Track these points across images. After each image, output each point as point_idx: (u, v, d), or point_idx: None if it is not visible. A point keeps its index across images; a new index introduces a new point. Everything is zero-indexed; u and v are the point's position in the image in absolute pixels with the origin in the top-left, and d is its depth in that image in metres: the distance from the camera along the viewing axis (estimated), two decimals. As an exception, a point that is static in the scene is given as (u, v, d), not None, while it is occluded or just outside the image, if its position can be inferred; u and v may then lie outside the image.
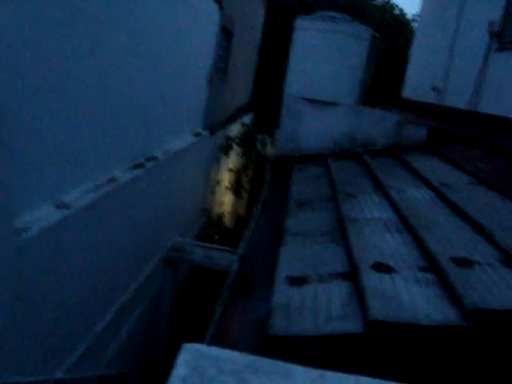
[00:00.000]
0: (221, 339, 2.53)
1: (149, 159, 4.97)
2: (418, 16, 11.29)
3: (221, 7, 7.70)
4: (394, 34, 15.41)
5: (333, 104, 6.03)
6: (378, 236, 3.17)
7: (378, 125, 5.98)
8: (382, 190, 4.20)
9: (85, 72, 3.45)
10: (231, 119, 10.42)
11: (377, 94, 12.80)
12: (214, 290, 4.34)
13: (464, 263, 2.59)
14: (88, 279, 3.80)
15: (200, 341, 1.99)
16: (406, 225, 3.29)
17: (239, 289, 3.09)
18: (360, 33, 5.95)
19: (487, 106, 6.71)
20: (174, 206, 6.48)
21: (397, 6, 19.25)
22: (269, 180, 5.76)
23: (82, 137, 3.54)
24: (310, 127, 6.20)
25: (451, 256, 2.68)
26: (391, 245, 3.02)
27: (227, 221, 10.89)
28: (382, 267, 2.66)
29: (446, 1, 9.29)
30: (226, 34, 8.89)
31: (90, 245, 3.70)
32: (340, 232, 3.38)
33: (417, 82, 10.03)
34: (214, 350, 0.88)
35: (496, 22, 6.93)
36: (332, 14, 6.34)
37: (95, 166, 3.84)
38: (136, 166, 4.60)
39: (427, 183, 4.20)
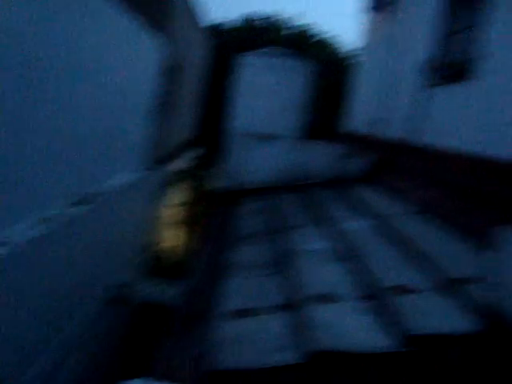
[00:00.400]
0: (165, 375, 2.47)
1: (86, 197, 4.85)
2: (359, 50, 11.76)
3: (165, 43, 7.77)
4: (337, 67, 15.86)
5: (277, 138, 6.14)
6: (319, 267, 3.22)
7: (322, 157, 6.13)
8: (324, 221, 4.28)
9: (14, 108, 3.36)
10: (176, 154, 10.41)
11: (322, 128, 13.14)
12: (158, 326, 4.25)
13: (401, 291, 2.66)
14: (14, 328, 3.60)
15: (145, 377, 1.94)
16: (348, 255, 3.35)
17: (183, 323, 3.04)
18: (302, 68, 6.13)
19: (427, 138, 7.01)
20: (115, 244, 6.33)
21: (339, 40, 19.95)
22: (214, 213, 5.75)
23: (9, 174, 3.41)
24: (255, 161, 6.26)
25: (389, 284, 2.75)
26: (333, 275, 3.06)
27: (172, 255, 10.73)
28: (323, 298, 2.69)
29: (384, 36, 9.73)
30: (171, 69, 8.94)
31: (17, 289, 3.53)
32: (283, 264, 3.41)
33: (360, 115, 10.34)
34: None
35: (431, 58, 7.32)
36: (275, 49, 6.52)
37: (25, 205, 3.70)
38: (72, 205, 4.47)
39: (369, 213, 4.30)
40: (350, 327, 2.31)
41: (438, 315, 2.31)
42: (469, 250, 3.14)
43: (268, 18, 19.41)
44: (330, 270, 3.17)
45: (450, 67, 6.78)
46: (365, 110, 9.88)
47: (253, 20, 19.28)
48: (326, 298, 2.67)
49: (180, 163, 10.92)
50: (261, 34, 17.81)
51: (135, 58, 6.27)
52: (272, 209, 5.10)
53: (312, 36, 19.34)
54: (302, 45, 17.63)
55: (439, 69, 7.06)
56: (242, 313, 2.69)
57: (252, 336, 2.40)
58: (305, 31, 19.27)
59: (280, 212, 4.82)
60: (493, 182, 4.28)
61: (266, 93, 6.07)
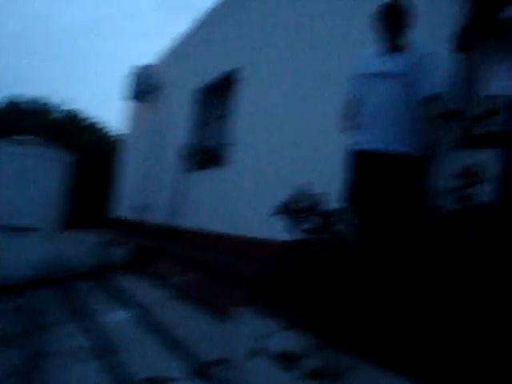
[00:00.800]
0: None
1: None
2: (125, 136, 11.88)
3: None
4: (106, 153, 15.55)
5: (32, 230, 5.73)
6: (73, 367, 2.99)
7: (82, 247, 5.89)
8: (83, 315, 4.04)
9: None
10: None
11: (87, 215, 12.71)
12: None
13: (158, 382, 2.61)
14: None
15: None
16: (105, 351, 3.19)
17: None
18: (56, 156, 5.94)
19: (188, 222, 7.27)
20: None
21: (109, 125, 19.80)
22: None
23: None
24: (6, 256, 5.71)
25: (145, 377, 2.68)
26: (87, 375, 2.87)
27: None
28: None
29: (148, 123, 10.08)
30: None
31: None
32: (34, 369, 3.08)
33: (127, 201, 10.31)
34: None
35: (185, 146, 7.78)
36: (26, 138, 6.21)
37: None
38: None
39: (130, 303, 4.21)
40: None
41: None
42: (220, 332, 3.27)
43: (35, 101, 18.59)
44: (85, 369, 2.96)
45: (206, 153, 7.29)
46: (131, 195, 9.93)
47: (18, 103, 18.27)
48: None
49: None
50: (27, 118, 16.86)
51: None
52: (25, 307, 4.65)
53: (82, 120, 19.01)
54: (70, 129, 17.15)
55: (197, 155, 7.54)
56: None
57: None
58: (75, 116, 18.88)
59: (34, 310, 4.41)
60: (246, 262, 4.62)
61: (16, 182, 5.69)
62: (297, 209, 1.85)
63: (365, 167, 3.26)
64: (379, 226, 1.58)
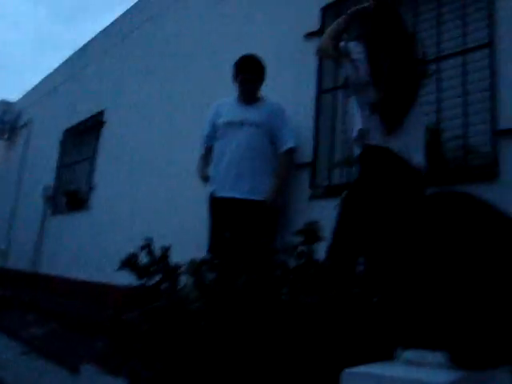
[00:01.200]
0: None
1: None
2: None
3: None
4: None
5: None
6: None
7: None
8: None
9: None
10: None
11: None
12: None
13: None
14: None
15: None
16: None
17: None
18: None
19: (46, 267, 6.86)
20: None
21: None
22: None
23: None
24: None
25: None
26: None
27: None
28: None
29: (7, 161, 9.49)
30: None
31: None
32: None
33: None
34: None
35: (50, 188, 7.39)
36: None
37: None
38: None
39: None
40: None
41: None
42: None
43: None
44: None
45: (71, 196, 6.97)
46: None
47: None
48: None
49: None
50: None
51: None
52: None
53: None
54: None
55: (62, 197, 7.19)
56: None
57: None
58: None
59: None
60: (106, 310, 4.42)
61: None
62: (139, 264, 1.83)
63: (221, 214, 3.31)
64: (221, 280, 1.61)
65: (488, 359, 0.96)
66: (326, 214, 2.86)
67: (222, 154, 3.43)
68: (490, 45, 2.72)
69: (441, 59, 2.98)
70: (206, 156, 3.59)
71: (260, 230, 3.00)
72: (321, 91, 3.60)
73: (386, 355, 1.09)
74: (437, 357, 0.96)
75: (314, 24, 3.71)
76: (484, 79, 2.75)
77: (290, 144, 3.37)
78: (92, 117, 6.65)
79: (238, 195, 3.28)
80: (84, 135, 7.05)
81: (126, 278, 1.95)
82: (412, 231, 1.06)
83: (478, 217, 1.02)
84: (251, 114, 3.42)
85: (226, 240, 1.95)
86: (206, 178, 3.53)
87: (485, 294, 0.92)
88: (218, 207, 3.36)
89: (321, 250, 1.48)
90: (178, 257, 1.95)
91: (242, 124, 3.40)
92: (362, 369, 0.95)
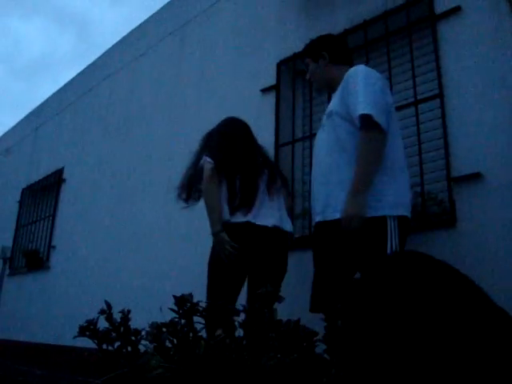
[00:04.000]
0: None
1: None
2: None
3: None
4: None
5: None
6: None
7: None
8: None
9: None
10: None
11: None
12: None
13: None
14: None
15: None
16: None
17: None
18: None
19: (6, 331, 6.57)
20: None
21: None
22: None
23: None
24: None
25: None
26: None
27: None
28: None
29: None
30: None
31: None
32: None
33: None
34: None
35: (8, 249, 7.17)
36: None
37: None
38: None
39: None
40: None
41: None
42: None
43: None
44: None
45: (30, 256, 6.78)
46: None
47: None
48: None
49: None
50: None
51: None
52: None
53: None
54: None
55: (21, 257, 6.99)
56: None
57: None
58: None
59: None
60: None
61: None
62: (98, 329, 1.76)
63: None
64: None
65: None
66: (291, 265, 2.85)
67: None
68: (440, 95, 2.83)
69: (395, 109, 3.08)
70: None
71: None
72: (279, 144, 3.65)
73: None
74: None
75: (270, 79, 3.81)
76: (437, 128, 2.86)
77: (360, 110, 2.17)
78: (51, 174, 6.56)
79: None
80: (43, 193, 6.93)
81: (88, 342, 1.87)
82: (372, 293, 1.06)
83: (433, 276, 1.03)
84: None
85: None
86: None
87: (445, 352, 0.92)
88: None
89: (280, 311, 1.45)
90: (140, 319, 1.89)
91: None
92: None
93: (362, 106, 2.16)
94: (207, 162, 2.72)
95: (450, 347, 0.91)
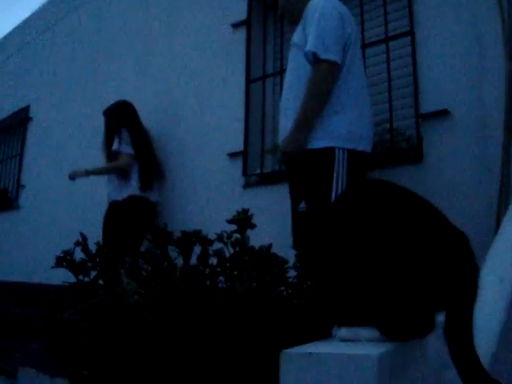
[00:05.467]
0: None
1: None
2: None
3: None
4: None
5: None
6: None
7: None
8: None
9: None
10: None
11: None
12: None
13: None
14: None
15: None
16: None
17: None
18: None
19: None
20: None
21: None
22: None
23: None
24: None
25: None
26: None
27: None
28: None
29: None
30: None
31: None
32: None
33: None
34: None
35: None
36: None
37: None
38: None
39: None
40: None
41: None
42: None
43: None
44: None
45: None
46: None
47: None
48: None
49: None
50: None
51: None
52: None
53: None
54: None
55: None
56: None
57: None
58: None
59: None
60: (43, 311, 4.29)
61: None
62: (75, 261, 1.80)
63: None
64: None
65: (415, 329, 1.02)
66: (259, 201, 2.92)
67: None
68: (411, 33, 2.84)
69: (366, 46, 3.07)
70: None
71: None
72: (249, 80, 3.63)
73: (322, 336, 1.15)
74: (369, 332, 1.02)
75: (241, 13, 3.73)
76: (407, 65, 2.88)
77: (309, 47, 2.24)
78: (16, 112, 6.37)
79: None
80: (9, 132, 6.75)
81: (61, 278, 1.90)
82: (339, 218, 1.12)
83: (396, 200, 1.09)
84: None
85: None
86: None
87: (405, 273, 0.99)
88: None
89: (253, 237, 1.51)
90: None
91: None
92: (299, 348, 0.99)
93: (312, 41, 2.23)
94: None
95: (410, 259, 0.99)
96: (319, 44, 2.21)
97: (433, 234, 1.01)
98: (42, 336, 2.21)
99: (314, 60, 2.22)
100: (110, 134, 3.99)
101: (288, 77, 2.48)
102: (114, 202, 3.84)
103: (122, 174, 3.80)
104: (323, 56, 2.18)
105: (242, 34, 3.72)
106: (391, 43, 2.99)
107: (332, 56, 2.19)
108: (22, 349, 3.47)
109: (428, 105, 2.71)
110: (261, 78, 3.63)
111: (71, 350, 1.92)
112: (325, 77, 2.21)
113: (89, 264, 1.81)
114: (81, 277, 1.90)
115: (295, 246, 2.24)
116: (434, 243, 1.00)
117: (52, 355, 2.12)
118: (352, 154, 2.24)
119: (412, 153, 2.76)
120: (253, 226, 1.57)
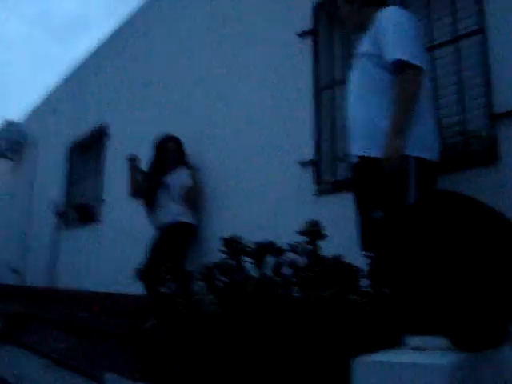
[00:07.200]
0: None
1: None
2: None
3: None
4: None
5: None
6: None
7: None
8: None
9: None
10: None
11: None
12: None
13: None
14: None
15: None
16: None
17: None
18: None
19: (63, 281, 6.93)
20: None
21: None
22: None
23: None
24: None
25: None
26: None
27: None
28: None
29: (12, 181, 9.58)
30: None
31: None
32: None
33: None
34: None
35: (61, 204, 7.48)
36: None
37: None
38: None
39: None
40: None
41: None
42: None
43: None
44: None
45: (80, 210, 7.07)
46: (2, 258, 9.25)
47: None
48: None
49: None
50: None
51: None
52: None
53: None
54: None
55: (71, 212, 7.29)
56: None
57: None
58: None
59: None
60: (123, 320, 4.49)
61: None
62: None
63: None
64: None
65: (487, 340, 1.01)
66: (331, 209, 2.91)
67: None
68: (481, 31, 2.75)
69: (434, 48, 3.01)
70: None
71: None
72: (319, 88, 3.64)
73: (394, 343, 1.15)
74: (439, 342, 1.02)
75: (306, 23, 3.76)
76: (477, 65, 2.79)
77: (393, 55, 2.28)
78: (95, 130, 6.71)
79: None
80: (91, 149, 7.12)
81: (139, 289, 2.00)
82: (411, 229, 1.12)
83: (468, 213, 1.08)
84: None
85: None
86: None
87: (477, 283, 0.98)
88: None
89: (324, 246, 1.53)
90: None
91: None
92: (371, 357, 1.00)
93: (397, 49, 2.27)
94: None
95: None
96: (406, 51, 2.26)
97: (505, 245, 0.99)
98: (126, 344, 2.32)
99: (400, 67, 2.26)
100: (162, 163, 4.58)
101: (355, 87, 2.51)
102: (179, 222, 4.27)
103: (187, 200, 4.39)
104: (413, 62, 2.24)
105: (307, 43, 3.74)
106: (461, 42, 2.90)
107: (419, 62, 2.26)
108: (107, 355, 3.65)
109: (502, 105, 2.61)
110: (330, 86, 3.64)
111: (152, 356, 2.01)
112: (414, 82, 2.27)
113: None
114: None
115: (365, 248, 2.24)
116: (507, 255, 0.98)
117: (135, 362, 2.23)
118: (422, 163, 2.24)
119: (486, 154, 2.67)
120: (323, 237, 1.59)
